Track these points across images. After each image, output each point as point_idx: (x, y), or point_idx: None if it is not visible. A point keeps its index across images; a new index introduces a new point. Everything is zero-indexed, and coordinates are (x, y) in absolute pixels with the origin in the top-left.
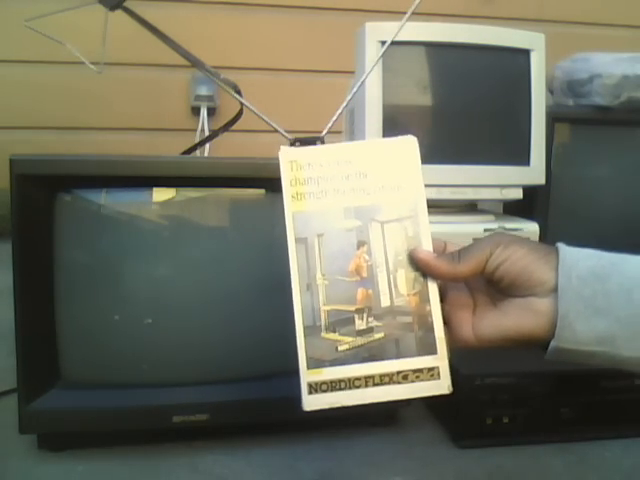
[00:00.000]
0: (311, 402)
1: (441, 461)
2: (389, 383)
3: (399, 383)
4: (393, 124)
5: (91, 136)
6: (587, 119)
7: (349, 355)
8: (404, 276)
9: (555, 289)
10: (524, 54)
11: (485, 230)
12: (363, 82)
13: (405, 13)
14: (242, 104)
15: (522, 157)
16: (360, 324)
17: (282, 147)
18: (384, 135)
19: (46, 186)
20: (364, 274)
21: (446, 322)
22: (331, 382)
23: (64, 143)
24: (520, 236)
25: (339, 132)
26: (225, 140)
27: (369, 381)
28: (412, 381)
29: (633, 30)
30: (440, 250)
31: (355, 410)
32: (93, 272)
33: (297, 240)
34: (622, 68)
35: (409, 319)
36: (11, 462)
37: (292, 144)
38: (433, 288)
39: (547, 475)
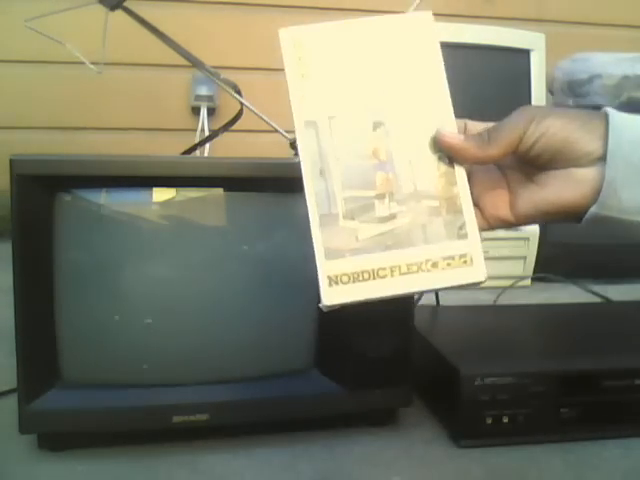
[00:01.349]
0: (332, 296)
1: (441, 461)
2: (417, 272)
3: (428, 271)
4: None
5: (91, 136)
6: None
7: (371, 243)
8: (428, 157)
9: (601, 158)
10: (524, 54)
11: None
12: None
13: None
14: (242, 104)
15: None
16: (381, 210)
17: (282, 29)
18: None
19: (46, 186)
20: (382, 157)
21: (478, 205)
22: (353, 273)
23: (64, 143)
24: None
25: None
26: (225, 140)
27: (395, 271)
28: (443, 269)
29: (633, 30)
30: (460, 130)
31: (355, 409)
32: (93, 272)
33: (306, 124)
34: (622, 68)
35: (435, 203)
36: (11, 462)
37: (292, 144)
38: (460, 169)
39: (547, 475)
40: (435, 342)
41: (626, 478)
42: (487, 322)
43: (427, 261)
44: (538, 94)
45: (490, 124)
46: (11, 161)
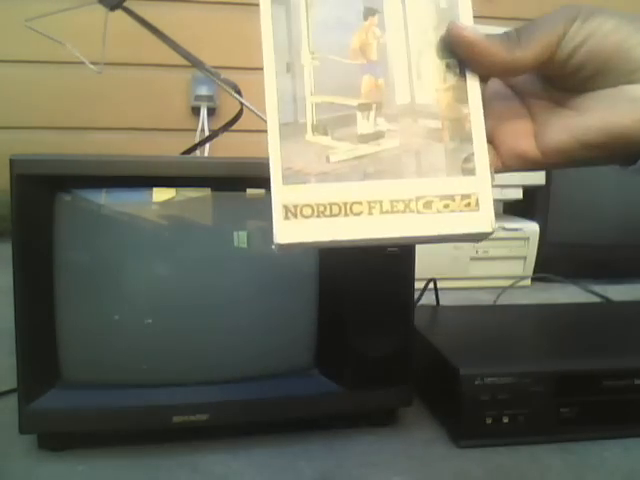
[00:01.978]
0: (288, 232)
1: (441, 461)
2: (404, 212)
3: (419, 213)
4: None
5: (91, 136)
6: None
7: (346, 168)
8: (432, 63)
9: None
10: None
11: None
12: None
13: None
14: (242, 104)
15: None
16: (365, 126)
17: None
18: None
19: (46, 186)
20: (373, 56)
21: (492, 141)
22: (318, 205)
23: (64, 143)
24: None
25: None
26: (225, 140)
27: (374, 207)
28: (438, 211)
29: None
30: None
31: (355, 409)
32: (93, 272)
33: (274, 0)
34: None
35: (437, 124)
36: (11, 462)
37: None
38: (473, 82)
39: (547, 475)
40: (435, 342)
41: (626, 478)
42: (487, 322)
43: (418, 199)
44: None
45: None
46: (11, 161)
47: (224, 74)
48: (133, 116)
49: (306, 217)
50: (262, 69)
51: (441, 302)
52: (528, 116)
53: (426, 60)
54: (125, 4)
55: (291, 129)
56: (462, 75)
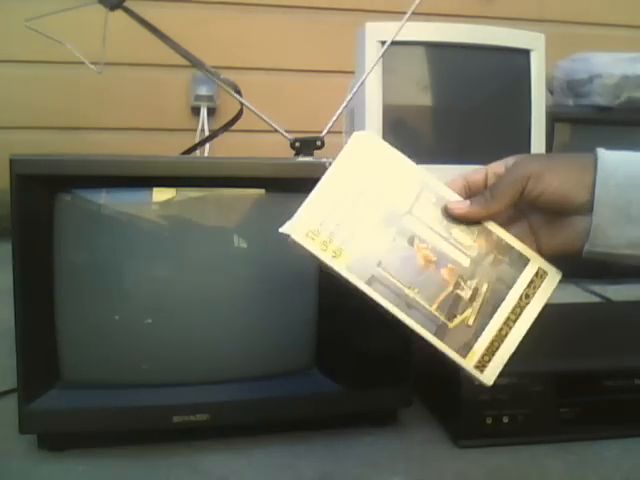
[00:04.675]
0: (488, 377)
1: (441, 461)
2: (522, 312)
3: (528, 304)
4: (393, 124)
5: (91, 136)
6: (587, 119)
7: (481, 319)
8: (459, 233)
9: (592, 207)
10: (524, 54)
11: None
12: (363, 82)
13: (405, 13)
14: (242, 104)
15: None
16: (466, 293)
17: (282, 229)
18: (384, 134)
19: (46, 186)
20: (433, 258)
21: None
22: (487, 350)
23: (64, 143)
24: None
25: (339, 132)
26: (225, 140)
27: (509, 323)
28: (534, 293)
29: (633, 30)
30: (462, 190)
31: (355, 409)
32: (93, 272)
33: (368, 282)
34: (622, 68)
35: (491, 257)
36: (11, 462)
37: (292, 144)
38: (488, 225)
39: (547, 475)
40: None
41: (626, 478)
42: None
43: (521, 298)
44: (538, 94)
45: (490, 167)
46: (11, 161)
47: (224, 74)
48: (133, 116)
49: (488, 361)
50: (262, 69)
51: None
52: (531, 235)
53: (456, 233)
54: (125, 4)
55: (441, 331)
56: (477, 226)
